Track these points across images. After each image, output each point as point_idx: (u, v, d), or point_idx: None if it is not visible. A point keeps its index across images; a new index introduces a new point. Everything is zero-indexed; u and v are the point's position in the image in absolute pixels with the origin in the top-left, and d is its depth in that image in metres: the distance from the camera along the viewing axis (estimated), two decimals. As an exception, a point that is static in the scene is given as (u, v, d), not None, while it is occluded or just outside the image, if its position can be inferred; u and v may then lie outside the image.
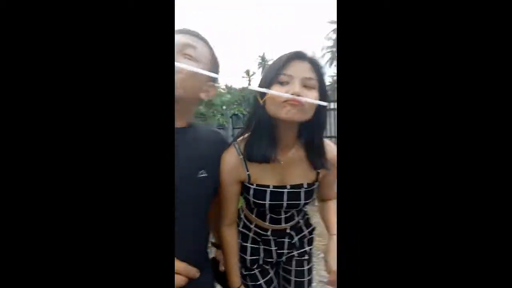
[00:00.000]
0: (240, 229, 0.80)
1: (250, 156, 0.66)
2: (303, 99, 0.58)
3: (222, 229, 0.74)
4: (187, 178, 0.57)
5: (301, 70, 0.61)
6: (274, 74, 0.62)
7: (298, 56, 0.62)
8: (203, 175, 0.61)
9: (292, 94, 0.58)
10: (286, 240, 0.79)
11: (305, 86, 0.60)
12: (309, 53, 0.64)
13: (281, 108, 0.60)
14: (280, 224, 0.76)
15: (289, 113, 0.59)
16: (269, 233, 0.77)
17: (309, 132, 0.67)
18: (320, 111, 0.63)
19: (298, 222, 0.80)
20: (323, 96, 0.62)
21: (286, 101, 0.59)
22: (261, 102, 0.61)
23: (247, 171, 0.69)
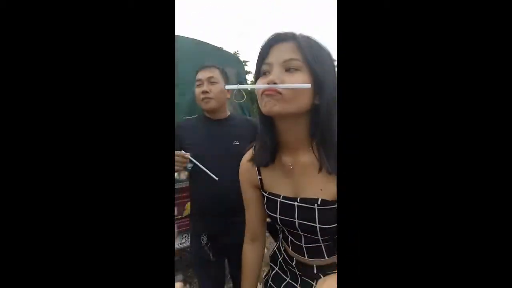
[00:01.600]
0: (275, 248, 0.70)
1: (253, 158, 0.61)
2: (279, 86, 0.47)
3: (244, 245, 0.67)
4: (227, 146, 1.03)
5: (281, 53, 0.50)
6: (257, 65, 0.53)
7: (278, 39, 0.51)
8: (236, 143, 1.03)
9: (268, 83, 0.49)
10: (315, 284, 0.60)
11: (287, 69, 0.49)
12: (293, 31, 0.52)
13: (261, 101, 0.51)
14: (303, 255, 0.61)
15: (267, 105, 0.49)
16: (294, 263, 0.64)
17: (318, 126, 0.52)
18: (320, 96, 0.50)
19: (329, 265, 0.60)
20: (316, 75, 0.49)
21: (263, 92, 0.50)
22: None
23: (259, 175, 0.62)
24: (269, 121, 0.56)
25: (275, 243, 0.73)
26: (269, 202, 0.61)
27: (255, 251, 0.67)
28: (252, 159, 0.61)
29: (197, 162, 0.99)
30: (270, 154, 0.57)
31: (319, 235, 0.56)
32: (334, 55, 0.52)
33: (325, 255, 0.59)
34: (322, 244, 0.58)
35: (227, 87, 0.53)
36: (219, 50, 1.95)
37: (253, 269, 0.67)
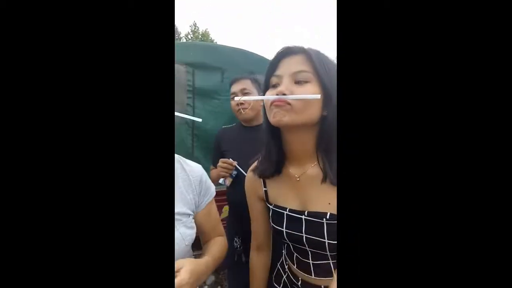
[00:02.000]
0: (279, 265, 0.68)
1: (256, 169, 0.60)
2: (289, 96, 0.48)
3: (251, 253, 0.68)
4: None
5: (290, 66, 0.51)
6: (266, 78, 0.55)
7: (287, 52, 0.52)
8: None
9: (277, 94, 0.49)
10: None
11: (297, 81, 0.50)
12: (302, 45, 0.53)
13: (269, 112, 0.52)
14: (310, 273, 0.58)
15: (276, 116, 0.50)
16: (299, 283, 0.60)
17: (324, 138, 0.52)
18: (328, 108, 0.50)
19: None
20: (326, 87, 0.50)
21: (272, 103, 0.50)
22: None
23: (264, 187, 0.62)
24: (276, 132, 0.56)
25: (278, 260, 0.70)
26: (275, 214, 0.59)
27: (261, 260, 0.67)
28: (254, 170, 0.61)
29: (241, 170, 1.03)
30: (275, 165, 0.58)
31: (327, 250, 0.53)
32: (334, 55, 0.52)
33: (334, 274, 0.55)
34: (331, 261, 0.55)
35: (236, 98, 0.54)
36: (262, 59, 1.99)
37: (260, 277, 0.66)
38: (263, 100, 0.62)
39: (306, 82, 0.50)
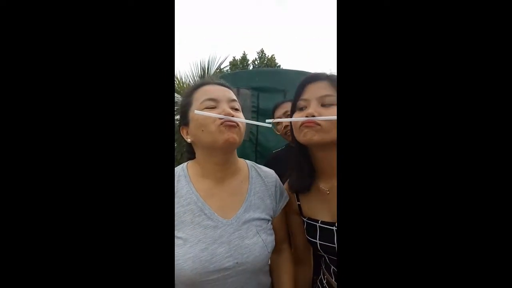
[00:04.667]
0: (318, 280, 0.71)
1: (291, 186, 0.65)
2: (318, 118, 0.55)
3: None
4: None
5: (317, 90, 0.58)
6: (294, 102, 0.62)
7: (313, 78, 0.60)
8: None
9: (307, 116, 0.56)
10: None
11: (323, 104, 0.57)
12: (325, 72, 0.61)
13: (299, 132, 0.58)
14: None
15: (307, 135, 0.57)
16: None
17: None
18: None
19: None
20: None
21: (302, 124, 0.57)
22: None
23: (298, 201, 0.67)
24: (305, 150, 0.63)
25: (317, 277, 0.72)
26: (309, 227, 0.64)
27: (302, 274, 0.69)
28: (290, 186, 0.66)
29: None
30: (308, 181, 0.62)
31: None
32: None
33: None
34: None
35: (268, 121, 0.60)
36: None
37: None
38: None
39: (331, 105, 0.57)
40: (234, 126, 0.58)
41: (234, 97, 0.64)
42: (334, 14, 0.32)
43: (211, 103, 0.60)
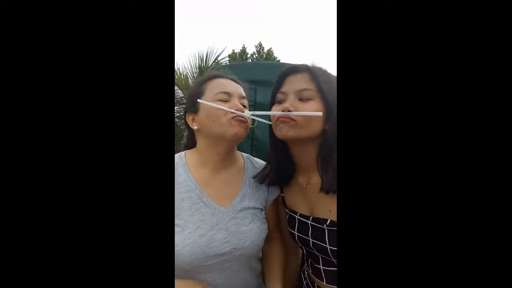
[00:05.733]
0: (301, 272, 0.72)
1: (266, 178, 0.65)
2: (294, 113, 0.53)
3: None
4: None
5: (295, 83, 0.56)
6: (272, 94, 0.60)
7: (292, 70, 0.57)
8: None
9: (283, 111, 0.54)
10: None
11: (301, 99, 0.55)
12: (306, 63, 0.57)
13: (275, 126, 0.57)
14: (322, 279, 0.59)
15: (282, 131, 0.55)
16: None
17: (324, 149, 0.55)
18: (329, 122, 0.54)
19: None
20: (328, 103, 0.54)
21: (278, 119, 0.56)
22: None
23: (281, 192, 0.68)
24: (281, 145, 0.61)
25: (302, 267, 0.73)
26: (290, 218, 0.64)
27: (290, 262, 0.70)
28: (268, 181, 0.64)
29: None
30: (283, 175, 0.62)
31: (331, 256, 0.55)
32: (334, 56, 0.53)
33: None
34: None
35: (247, 112, 0.61)
36: None
37: (289, 282, 0.68)
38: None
39: (309, 99, 0.55)
40: (244, 121, 0.62)
41: (244, 94, 0.67)
42: (334, 10, 0.32)
43: (224, 96, 0.63)
